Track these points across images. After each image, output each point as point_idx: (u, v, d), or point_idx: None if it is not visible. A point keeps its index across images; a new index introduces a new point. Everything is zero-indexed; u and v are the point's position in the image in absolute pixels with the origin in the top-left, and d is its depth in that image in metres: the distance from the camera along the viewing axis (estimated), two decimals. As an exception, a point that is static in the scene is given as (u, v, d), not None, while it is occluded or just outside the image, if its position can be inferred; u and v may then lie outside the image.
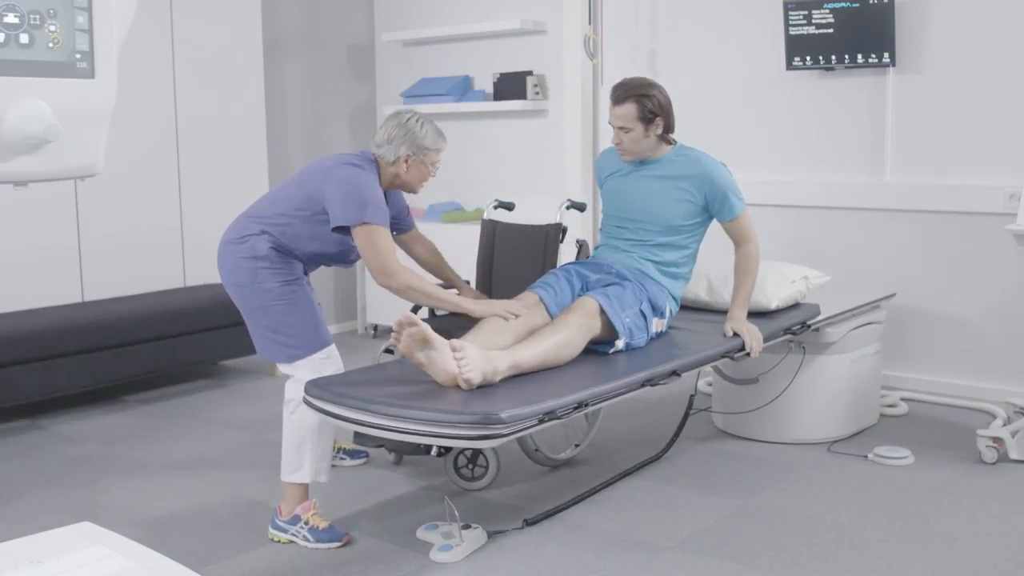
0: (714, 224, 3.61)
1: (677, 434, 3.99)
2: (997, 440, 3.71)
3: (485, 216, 4.21)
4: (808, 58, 4.77)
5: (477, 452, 3.55)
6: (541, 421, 2.69)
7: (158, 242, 5.33)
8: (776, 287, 3.87)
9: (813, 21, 4.70)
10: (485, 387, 2.83)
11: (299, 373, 3.12)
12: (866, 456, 3.80)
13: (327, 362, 3.15)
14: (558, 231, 3.95)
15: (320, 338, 3.16)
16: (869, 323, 4.17)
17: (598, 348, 3.24)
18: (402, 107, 3.32)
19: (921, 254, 4.66)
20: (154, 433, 4.33)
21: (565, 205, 4.07)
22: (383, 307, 6.09)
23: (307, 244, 3.11)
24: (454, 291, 3.48)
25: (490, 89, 5.92)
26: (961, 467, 3.69)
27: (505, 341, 3.08)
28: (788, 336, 3.78)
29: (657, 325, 3.45)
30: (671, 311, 3.54)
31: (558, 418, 2.74)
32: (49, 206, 4.84)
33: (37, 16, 1.78)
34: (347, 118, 6.48)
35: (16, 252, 4.76)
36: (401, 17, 6.41)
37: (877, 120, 4.72)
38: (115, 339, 4.63)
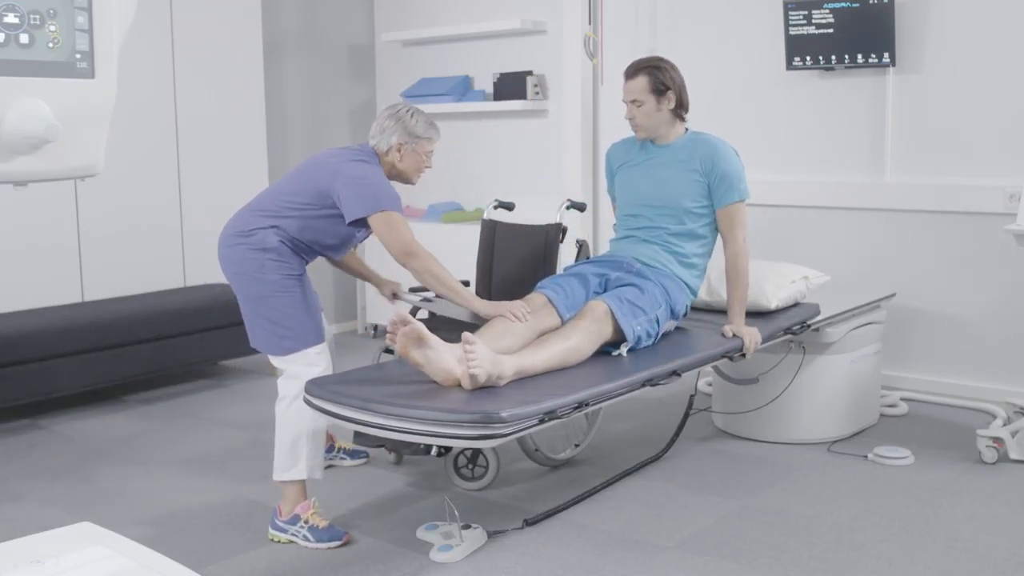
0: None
1: (677, 434, 3.99)
2: (997, 440, 3.71)
3: (485, 216, 4.21)
4: (808, 58, 4.77)
5: (477, 452, 3.55)
6: (541, 421, 2.69)
7: (158, 242, 5.33)
8: (776, 287, 3.87)
9: (813, 21, 4.70)
10: (486, 387, 2.83)
11: (292, 367, 3.14)
12: (866, 456, 3.80)
13: (320, 357, 3.16)
14: (558, 231, 3.95)
15: (316, 333, 3.18)
16: (869, 323, 4.17)
17: (603, 349, 3.22)
18: (397, 101, 3.35)
19: (921, 254, 4.66)
20: (154, 433, 4.33)
21: (565, 205, 4.07)
22: (383, 307, 6.08)
23: (320, 238, 3.16)
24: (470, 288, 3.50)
25: (490, 89, 5.92)
26: (961, 467, 3.69)
27: (512, 343, 3.06)
28: (788, 336, 3.78)
29: (669, 326, 3.44)
30: (686, 308, 3.53)
31: (558, 418, 2.74)
32: (49, 206, 4.84)
33: (37, 16, 1.77)
34: (347, 118, 6.48)
35: (16, 252, 4.76)
36: (401, 17, 6.41)
37: (877, 120, 4.72)
38: (115, 339, 4.63)
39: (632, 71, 3.48)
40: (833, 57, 4.69)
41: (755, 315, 3.80)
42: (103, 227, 5.07)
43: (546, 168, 5.83)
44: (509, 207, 4.27)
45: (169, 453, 4.05)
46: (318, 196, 3.11)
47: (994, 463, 3.71)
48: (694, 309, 3.90)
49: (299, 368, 3.12)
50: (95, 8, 1.86)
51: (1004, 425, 3.88)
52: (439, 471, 3.70)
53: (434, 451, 3.49)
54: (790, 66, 4.83)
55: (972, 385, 4.57)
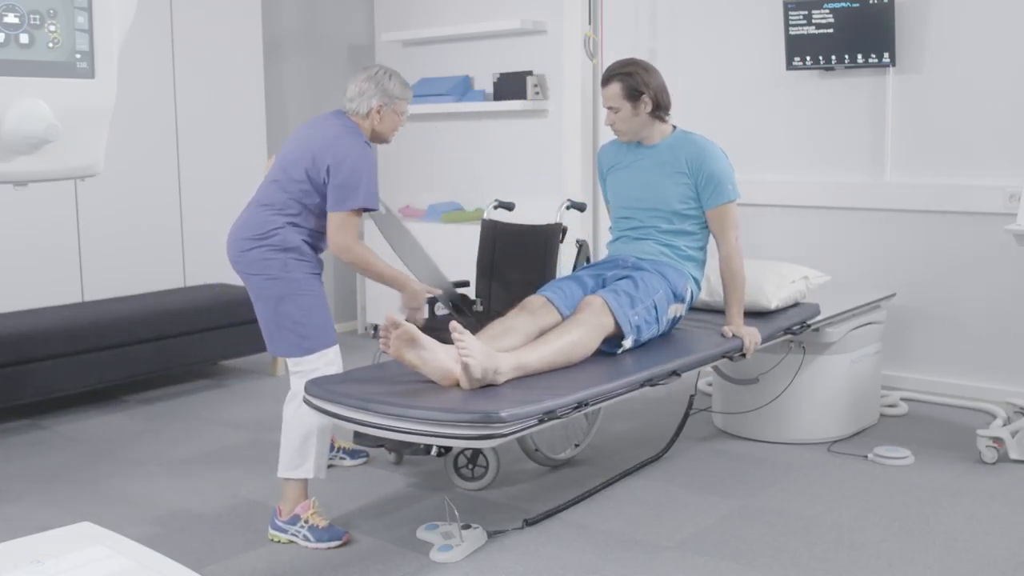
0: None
1: (677, 434, 3.99)
2: (997, 440, 3.71)
3: (485, 216, 4.21)
4: (808, 58, 4.77)
5: (477, 452, 3.55)
6: (541, 421, 2.69)
7: (158, 242, 5.34)
8: (776, 287, 3.87)
9: (813, 21, 4.70)
10: (486, 387, 2.82)
11: (310, 366, 3.14)
12: (866, 456, 3.80)
13: (337, 356, 3.21)
14: (558, 231, 3.95)
15: (333, 333, 3.22)
16: (869, 323, 4.17)
17: (607, 349, 3.21)
18: (369, 64, 3.35)
19: (921, 254, 4.66)
20: (154, 433, 4.33)
21: (565, 205, 4.07)
22: (383, 307, 6.09)
23: (324, 226, 3.19)
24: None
25: (490, 89, 5.92)
26: (961, 467, 3.69)
27: (512, 342, 3.05)
28: (788, 336, 3.78)
29: (675, 311, 3.40)
30: (692, 293, 3.50)
31: (558, 418, 2.74)
32: (49, 206, 4.84)
33: (37, 16, 1.77)
34: (347, 118, 6.47)
35: (16, 252, 4.76)
36: (401, 17, 6.41)
37: (877, 120, 4.72)
38: (115, 339, 4.63)
39: (605, 78, 3.45)
40: (833, 57, 4.69)
41: (755, 315, 3.80)
42: (103, 227, 5.07)
43: (546, 168, 5.83)
44: (509, 207, 4.27)
45: (169, 453, 4.05)
46: (305, 176, 3.12)
47: (994, 463, 3.71)
48: (694, 309, 3.89)
49: (317, 366, 3.14)
50: (95, 8, 1.86)
51: (1004, 425, 3.88)
52: (439, 471, 3.70)
53: (434, 451, 3.49)
54: (790, 66, 4.83)
55: (972, 385, 4.57)
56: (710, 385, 4.51)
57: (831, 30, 4.66)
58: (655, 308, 3.29)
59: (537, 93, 5.74)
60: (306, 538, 3.10)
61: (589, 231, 5.64)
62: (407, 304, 3.39)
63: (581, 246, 3.97)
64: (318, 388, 2.87)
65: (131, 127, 5.08)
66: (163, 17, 5.25)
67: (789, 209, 4.99)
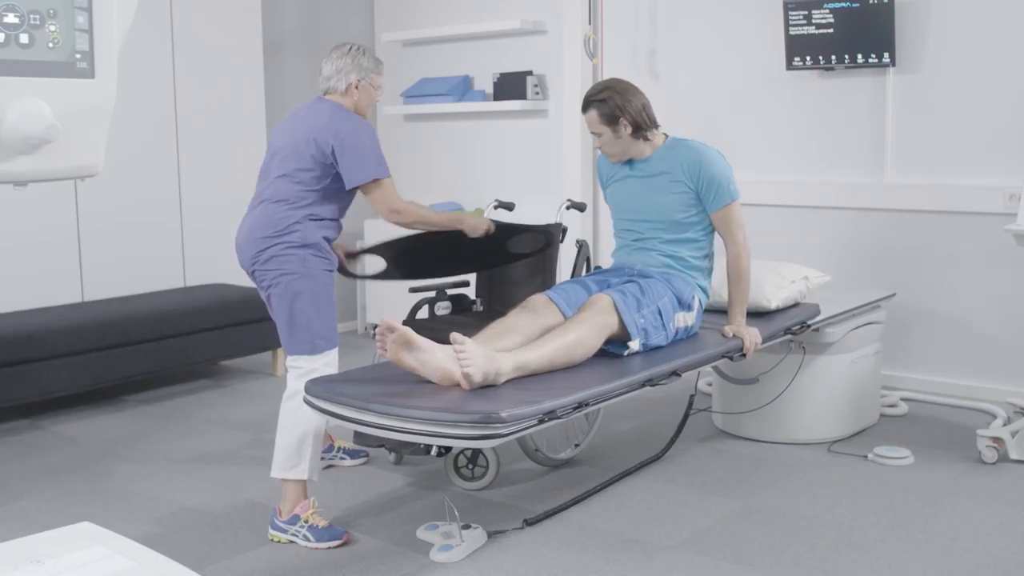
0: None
1: (677, 434, 3.99)
2: (997, 440, 3.71)
3: (485, 216, 4.21)
4: (808, 58, 4.77)
5: (477, 452, 3.55)
6: (541, 421, 2.69)
7: (158, 242, 5.34)
8: (776, 287, 3.87)
9: (813, 21, 4.70)
10: (486, 387, 2.82)
11: (311, 366, 3.16)
12: (866, 456, 3.81)
13: (334, 360, 3.22)
14: (558, 231, 3.95)
15: (337, 335, 3.25)
16: (869, 323, 4.17)
17: (612, 349, 3.20)
18: (341, 42, 3.46)
19: (921, 254, 4.66)
20: (154, 433, 4.33)
21: (565, 205, 4.07)
22: (383, 307, 6.09)
23: (344, 199, 3.25)
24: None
25: (490, 89, 5.92)
26: (961, 467, 3.69)
27: (514, 341, 3.04)
28: (788, 336, 3.78)
29: (682, 320, 3.38)
30: (700, 302, 3.49)
31: (558, 418, 2.74)
32: (49, 206, 4.84)
33: (37, 16, 1.77)
34: (347, 118, 6.47)
35: (16, 252, 4.76)
36: (401, 17, 6.41)
37: (877, 120, 4.72)
38: (115, 339, 4.63)
39: (583, 105, 3.46)
40: (833, 57, 4.69)
41: (755, 315, 3.79)
42: (103, 227, 5.07)
43: (546, 168, 5.83)
44: (509, 207, 4.27)
45: (169, 453, 4.05)
46: (313, 162, 3.16)
47: (994, 463, 3.71)
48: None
49: (316, 366, 3.16)
50: (95, 8, 1.86)
51: (1004, 425, 3.88)
52: (439, 471, 3.70)
53: (434, 451, 3.49)
54: (790, 66, 4.83)
55: (972, 385, 4.57)
56: (710, 385, 4.51)
57: (831, 30, 4.66)
58: (660, 314, 3.28)
59: (537, 93, 5.74)
60: (306, 538, 3.10)
61: (589, 231, 5.64)
62: (473, 234, 3.53)
63: (581, 246, 3.97)
64: (318, 388, 2.86)
65: (131, 127, 5.08)
66: (163, 17, 5.25)
67: (789, 209, 4.99)
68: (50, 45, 1.81)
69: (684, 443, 4.02)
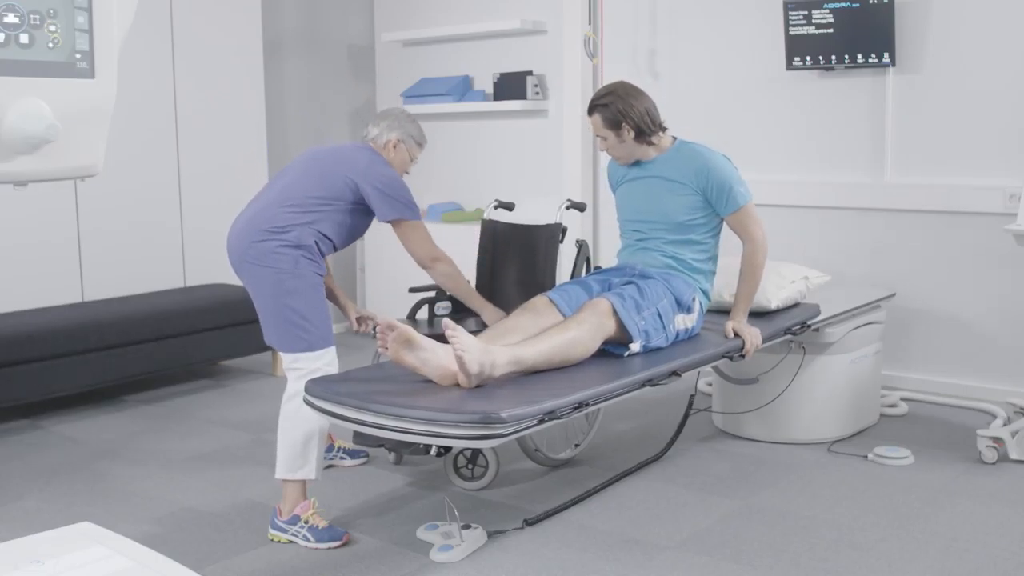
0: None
1: (677, 434, 3.99)
2: (997, 440, 3.71)
3: (485, 216, 4.21)
4: (808, 58, 4.77)
5: (477, 452, 3.55)
6: (541, 421, 2.69)
7: (158, 242, 5.34)
8: (776, 287, 3.87)
9: (813, 21, 4.70)
10: (485, 386, 2.82)
11: (310, 365, 3.16)
12: (866, 456, 3.81)
13: (334, 357, 3.23)
14: (558, 231, 3.95)
15: (332, 335, 3.26)
16: (869, 323, 4.17)
17: (614, 350, 3.21)
18: (395, 102, 3.61)
19: (921, 254, 4.66)
20: (154, 433, 4.33)
21: (565, 205, 4.07)
22: (383, 307, 6.09)
23: (346, 232, 3.30)
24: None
25: (490, 89, 5.92)
26: (961, 467, 3.69)
27: (513, 341, 3.04)
28: (788, 336, 3.78)
29: (683, 322, 3.38)
30: (701, 304, 3.49)
31: (558, 418, 2.74)
32: (49, 205, 4.84)
33: (37, 16, 1.78)
34: (347, 118, 6.48)
35: (16, 252, 4.76)
36: (401, 17, 6.41)
37: (877, 120, 4.72)
38: (115, 339, 4.63)
39: (588, 109, 3.50)
40: (833, 57, 4.69)
41: (755, 315, 3.79)
42: (103, 227, 5.07)
43: (546, 168, 5.83)
44: (509, 207, 4.27)
45: (169, 453, 4.05)
46: (348, 191, 3.25)
47: (994, 463, 3.71)
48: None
49: (317, 365, 3.16)
50: (95, 8, 1.86)
51: (1004, 425, 3.88)
52: (439, 471, 3.70)
53: (434, 451, 3.49)
54: (790, 66, 4.83)
55: (972, 385, 4.57)
56: (710, 385, 4.51)
57: (831, 30, 4.66)
58: (660, 316, 3.28)
59: (537, 93, 5.74)
60: (306, 538, 3.10)
61: (589, 231, 5.64)
62: (488, 322, 3.57)
63: (581, 246, 3.97)
64: (318, 388, 2.87)
65: (131, 127, 5.08)
66: (163, 17, 5.25)
67: (789, 209, 4.99)
68: (50, 45, 1.81)
69: (684, 443, 4.02)
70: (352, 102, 6.51)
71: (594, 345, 3.12)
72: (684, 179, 3.45)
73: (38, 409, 4.64)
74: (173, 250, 5.41)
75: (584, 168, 5.61)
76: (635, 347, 3.19)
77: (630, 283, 3.34)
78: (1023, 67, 4.34)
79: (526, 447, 3.61)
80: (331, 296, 3.66)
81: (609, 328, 3.15)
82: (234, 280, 5.33)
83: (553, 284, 3.80)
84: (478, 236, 4.17)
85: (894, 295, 4.54)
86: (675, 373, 3.16)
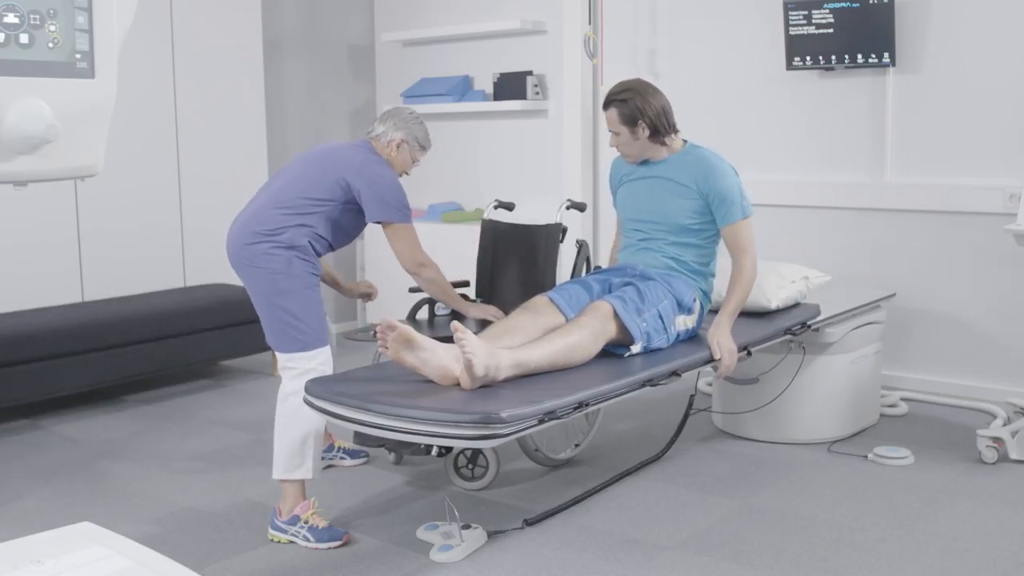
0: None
1: (677, 434, 3.99)
2: (997, 440, 3.71)
3: (485, 216, 4.21)
4: (808, 58, 4.77)
5: (477, 452, 3.55)
6: (541, 421, 2.69)
7: (158, 242, 5.34)
8: (776, 287, 3.87)
9: (813, 21, 4.70)
10: (485, 387, 2.82)
11: (305, 364, 3.17)
12: (866, 456, 3.81)
13: (328, 356, 3.24)
14: (558, 231, 3.95)
15: (326, 335, 3.27)
16: (869, 323, 4.17)
17: (614, 350, 3.20)
18: (396, 102, 3.62)
19: (921, 254, 4.66)
20: (154, 433, 4.33)
21: (565, 205, 4.07)
22: (383, 307, 6.09)
23: (340, 232, 3.32)
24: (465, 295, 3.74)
25: (490, 89, 5.92)
26: (961, 467, 3.69)
27: (515, 341, 3.04)
28: (788, 336, 3.78)
29: (683, 323, 3.37)
30: (702, 306, 3.48)
31: (558, 418, 2.74)
32: (49, 205, 4.84)
33: (37, 16, 1.78)
34: (347, 118, 6.48)
35: (16, 252, 4.76)
36: (401, 17, 6.41)
37: (877, 120, 4.72)
38: (115, 339, 4.63)
39: (605, 103, 3.48)
40: (833, 57, 4.69)
41: (755, 315, 3.80)
42: (103, 227, 5.07)
43: (546, 168, 5.83)
44: (509, 207, 4.27)
45: (169, 453, 4.05)
46: (339, 190, 3.25)
47: (994, 463, 3.71)
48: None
49: (311, 365, 3.17)
50: (95, 8, 1.86)
51: (1004, 425, 3.88)
52: (439, 471, 3.70)
53: (434, 451, 3.49)
54: (790, 66, 4.83)
55: (972, 385, 4.57)
56: (710, 385, 4.51)
57: (831, 30, 4.66)
58: (661, 318, 3.28)
59: (537, 93, 5.74)
60: (306, 538, 3.10)
61: (589, 231, 5.64)
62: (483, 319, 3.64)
63: (581, 246, 3.97)
64: (318, 388, 2.87)
65: (131, 127, 5.08)
66: (163, 17, 5.25)
67: (789, 209, 4.99)
68: (50, 45, 1.81)
69: (684, 443, 4.02)
70: (352, 102, 6.51)
71: (596, 348, 3.13)
72: (689, 183, 3.45)
73: (38, 409, 4.64)
74: (173, 250, 5.41)
75: (584, 168, 5.61)
76: (636, 348, 3.20)
77: (630, 284, 3.34)
78: (1023, 67, 4.34)
79: (526, 447, 3.61)
80: (332, 283, 3.72)
81: (611, 331, 3.16)
82: (234, 280, 5.33)
83: (553, 284, 3.80)
84: (478, 236, 4.17)
85: (894, 295, 4.54)
86: (675, 373, 3.17)
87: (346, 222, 3.30)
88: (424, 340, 2.82)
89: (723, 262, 3.69)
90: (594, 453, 3.92)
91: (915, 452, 3.82)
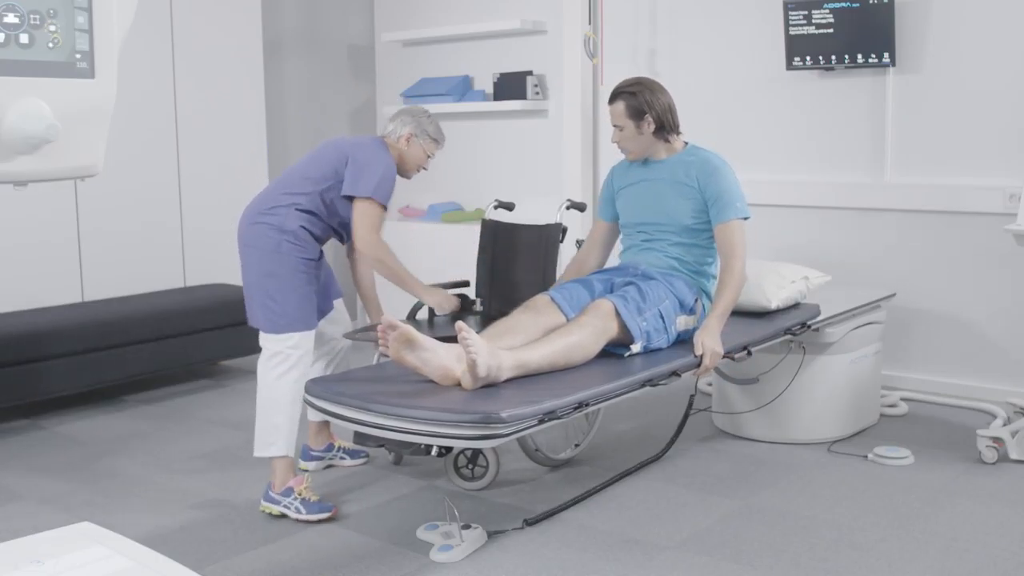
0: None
1: (677, 434, 3.99)
2: (997, 440, 3.71)
3: (485, 216, 4.21)
4: (808, 58, 4.77)
5: (477, 452, 3.55)
6: (541, 421, 2.69)
7: (158, 242, 5.34)
8: (776, 287, 3.87)
9: (813, 21, 4.70)
10: (486, 387, 2.82)
11: (277, 346, 3.29)
12: (866, 456, 3.81)
13: (305, 341, 3.33)
14: (558, 231, 3.95)
15: (307, 320, 3.35)
16: (869, 323, 4.17)
17: (614, 350, 3.20)
18: (396, 101, 3.75)
19: (921, 254, 4.66)
20: (154, 433, 4.33)
21: (565, 205, 4.07)
22: (383, 307, 6.08)
23: (332, 213, 3.39)
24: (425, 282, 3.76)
25: (490, 89, 5.92)
26: (961, 467, 3.69)
27: (515, 341, 3.04)
28: (788, 336, 3.78)
29: (684, 323, 3.35)
30: (703, 306, 3.47)
31: (558, 418, 2.74)
32: (49, 205, 4.84)
33: (37, 16, 1.77)
34: (347, 118, 6.48)
35: (16, 252, 4.76)
36: (401, 17, 6.41)
37: (877, 120, 4.72)
38: (115, 339, 4.63)
39: (612, 96, 3.49)
40: (833, 57, 4.69)
41: (755, 315, 3.80)
42: (103, 227, 5.07)
43: (546, 168, 5.83)
44: (509, 207, 4.27)
45: (169, 453, 4.05)
46: (334, 172, 3.36)
47: (994, 463, 3.71)
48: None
49: (279, 348, 3.28)
50: (95, 8, 1.86)
51: (1004, 425, 3.88)
52: (439, 471, 3.70)
53: (434, 451, 3.48)
54: (790, 66, 4.83)
55: (972, 385, 4.57)
56: (710, 385, 4.51)
57: (831, 30, 4.66)
58: (662, 317, 3.27)
59: (537, 93, 5.74)
60: (298, 510, 3.22)
61: (589, 231, 5.63)
62: (440, 310, 3.69)
63: (581, 246, 3.97)
64: (319, 388, 2.87)
65: (131, 127, 5.08)
66: (163, 17, 5.25)
67: (789, 209, 4.99)
68: (50, 45, 1.81)
69: (684, 443, 4.02)
70: (352, 102, 6.51)
71: (597, 348, 3.12)
72: (691, 182, 3.45)
73: (38, 409, 4.64)
74: (173, 250, 5.41)
75: (584, 168, 5.61)
76: (636, 348, 3.20)
77: (631, 283, 3.34)
78: (1023, 67, 4.34)
79: (526, 447, 3.61)
80: (365, 295, 3.80)
81: (612, 330, 3.16)
82: (234, 280, 5.33)
83: (554, 284, 3.80)
84: (478, 236, 4.17)
85: (894, 295, 4.54)
86: (675, 373, 3.16)
87: (343, 207, 3.38)
88: (425, 340, 2.82)
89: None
90: (594, 453, 3.92)
91: (915, 452, 3.82)
